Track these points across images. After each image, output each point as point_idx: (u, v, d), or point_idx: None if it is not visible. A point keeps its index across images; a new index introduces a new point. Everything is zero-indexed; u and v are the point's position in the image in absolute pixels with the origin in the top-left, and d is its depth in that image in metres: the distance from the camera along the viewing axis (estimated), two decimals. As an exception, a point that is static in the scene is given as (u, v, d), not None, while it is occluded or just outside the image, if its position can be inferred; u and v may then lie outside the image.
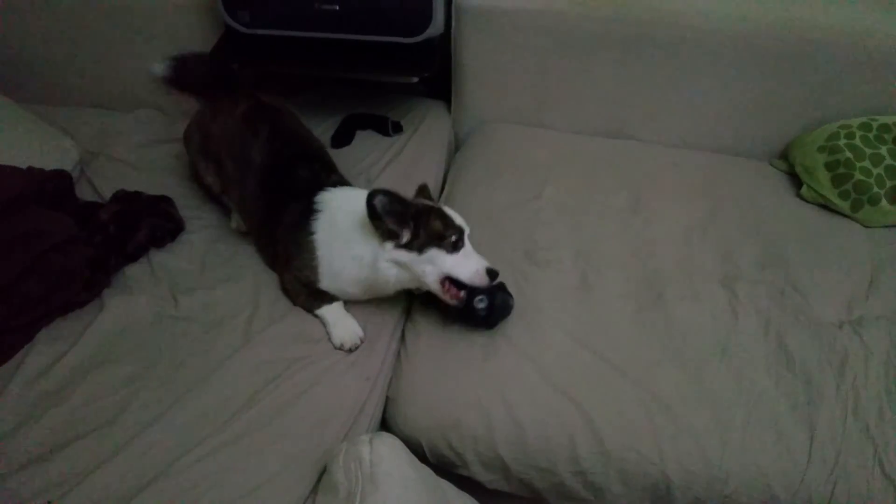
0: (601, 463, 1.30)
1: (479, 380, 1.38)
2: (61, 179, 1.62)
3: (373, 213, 1.31)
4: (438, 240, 1.34)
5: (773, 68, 1.80)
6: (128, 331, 1.42)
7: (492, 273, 1.36)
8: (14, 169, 1.55)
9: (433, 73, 1.76)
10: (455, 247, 1.35)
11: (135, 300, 1.47)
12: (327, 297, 1.48)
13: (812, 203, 1.78)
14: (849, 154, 1.71)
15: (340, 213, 1.44)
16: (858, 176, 1.70)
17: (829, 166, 1.73)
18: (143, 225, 1.55)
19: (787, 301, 1.52)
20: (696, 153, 1.93)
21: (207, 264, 1.59)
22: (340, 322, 1.46)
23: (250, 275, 1.57)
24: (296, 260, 1.47)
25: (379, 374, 1.43)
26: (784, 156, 1.91)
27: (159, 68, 1.81)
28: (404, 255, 1.35)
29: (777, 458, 1.27)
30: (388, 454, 1.03)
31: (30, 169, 1.58)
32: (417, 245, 1.34)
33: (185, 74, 1.81)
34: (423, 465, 1.12)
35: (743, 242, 1.65)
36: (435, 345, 1.46)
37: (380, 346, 1.47)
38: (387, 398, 1.44)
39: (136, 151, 1.87)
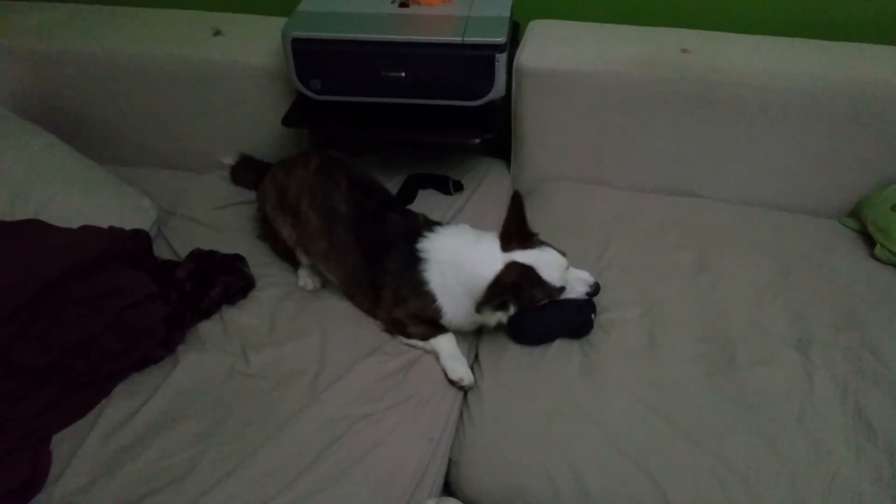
0: (674, 536, 1.25)
1: (545, 444, 1.36)
2: (140, 239, 1.69)
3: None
4: (544, 300, 1.49)
5: (840, 126, 1.78)
6: (200, 387, 1.46)
7: (592, 286, 1.54)
8: (97, 229, 1.62)
9: (495, 135, 1.79)
10: (560, 296, 1.50)
11: (207, 357, 1.51)
12: (441, 328, 1.57)
13: (887, 263, 1.72)
14: (924, 213, 1.67)
15: (448, 266, 1.53)
16: (936, 235, 1.64)
17: (904, 225, 1.69)
18: (217, 282, 1.61)
19: (865, 366, 1.46)
20: (763, 211, 1.90)
21: (276, 321, 1.62)
22: (456, 357, 1.54)
23: (317, 331, 1.59)
24: (412, 300, 1.55)
25: (442, 434, 1.42)
26: (854, 214, 1.87)
27: (229, 159, 2.04)
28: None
29: (860, 536, 1.21)
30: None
31: (111, 229, 1.65)
32: (528, 306, 1.49)
33: (245, 171, 2.01)
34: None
35: (815, 304, 1.60)
36: (498, 405, 1.45)
37: (443, 406, 1.47)
38: (450, 460, 1.43)
39: (210, 211, 1.94)
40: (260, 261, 1.77)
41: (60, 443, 1.36)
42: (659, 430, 1.36)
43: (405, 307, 1.56)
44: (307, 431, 1.38)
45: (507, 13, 1.79)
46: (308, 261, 1.73)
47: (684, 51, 1.84)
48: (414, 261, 1.54)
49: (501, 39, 1.67)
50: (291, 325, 1.62)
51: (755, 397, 1.41)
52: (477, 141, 1.89)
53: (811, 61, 1.79)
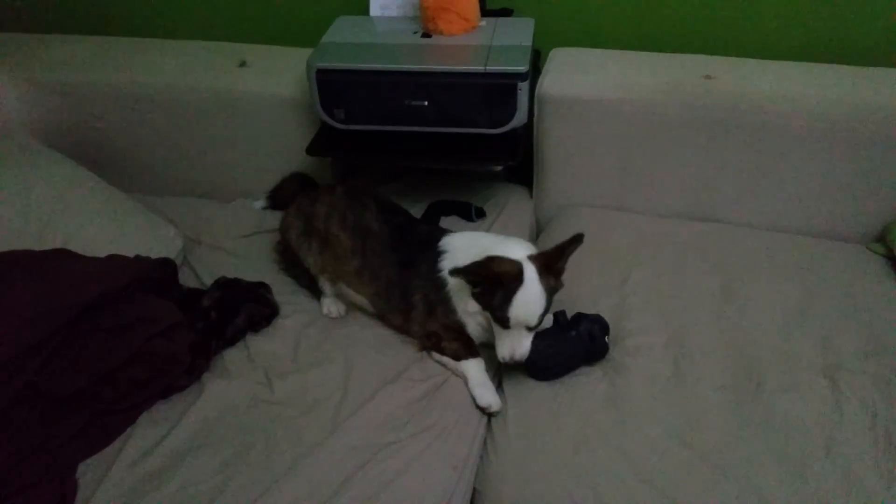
0: (703, 569, 1.23)
1: (570, 474, 1.34)
2: (166, 267, 1.72)
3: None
4: (491, 308, 1.46)
5: (866, 150, 1.77)
6: (225, 415, 1.46)
7: (508, 361, 1.47)
8: (124, 258, 1.65)
9: (518, 162, 1.80)
10: (500, 322, 1.45)
11: (232, 384, 1.52)
12: (473, 350, 1.57)
13: (915, 288, 1.70)
14: (953, 237, 1.64)
15: (462, 253, 1.54)
16: (965, 260, 1.62)
17: (932, 250, 1.67)
18: (241, 310, 1.62)
19: (894, 392, 1.44)
20: (789, 236, 1.88)
21: (300, 348, 1.63)
22: (485, 384, 1.53)
23: (341, 358, 1.60)
24: (438, 305, 1.57)
25: (466, 463, 1.41)
26: (881, 239, 1.84)
27: (260, 204, 2.10)
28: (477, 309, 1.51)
29: (893, 567, 1.18)
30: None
31: (137, 257, 1.68)
32: (483, 300, 1.48)
33: (282, 198, 2.03)
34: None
35: (843, 330, 1.58)
36: (522, 433, 1.44)
37: (467, 433, 1.45)
38: (474, 489, 1.42)
39: (235, 240, 1.96)
40: (284, 288, 1.79)
41: (87, 471, 1.36)
42: (685, 458, 1.34)
43: (435, 316, 1.58)
44: (331, 460, 1.37)
45: (528, 42, 1.81)
46: (332, 289, 1.74)
47: (707, 77, 1.84)
48: (436, 256, 1.58)
49: (524, 68, 1.69)
50: (315, 352, 1.62)
51: (783, 425, 1.38)
52: (499, 168, 1.90)
53: (835, 86, 1.79)
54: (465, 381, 1.54)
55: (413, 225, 1.71)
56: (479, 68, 1.69)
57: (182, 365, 1.49)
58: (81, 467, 1.37)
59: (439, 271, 1.56)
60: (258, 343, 1.63)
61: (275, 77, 2.02)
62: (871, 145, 1.75)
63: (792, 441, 1.36)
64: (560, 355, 1.51)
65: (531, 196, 2.14)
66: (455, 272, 1.44)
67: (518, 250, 1.48)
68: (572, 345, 1.51)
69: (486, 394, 1.50)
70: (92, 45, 2.21)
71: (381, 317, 1.70)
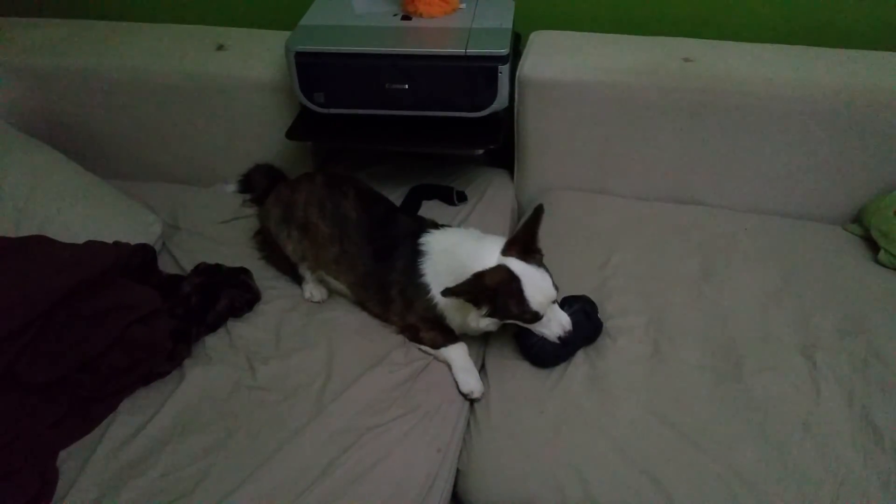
0: (683, 543, 1.25)
1: (553, 453, 1.36)
2: (145, 253, 1.70)
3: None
4: (515, 317, 1.44)
5: (843, 132, 1.78)
6: (207, 401, 1.45)
7: (565, 337, 1.45)
8: (102, 245, 1.62)
9: (498, 145, 1.80)
10: (532, 321, 1.43)
11: (214, 370, 1.51)
12: (452, 336, 1.57)
13: (891, 268, 1.72)
14: (928, 218, 1.67)
15: (443, 256, 1.54)
16: (940, 240, 1.65)
17: (908, 230, 1.69)
18: (223, 296, 1.61)
19: (871, 371, 1.46)
20: (767, 218, 1.90)
21: (282, 334, 1.62)
22: (468, 369, 1.54)
23: (323, 343, 1.59)
24: (417, 301, 1.56)
25: (450, 445, 1.42)
26: (858, 220, 1.87)
27: (231, 188, 2.09)
28: (490, 321, 1.48)
29: (871, 540, 1.21)
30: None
31: (116, 244, 1.65)
32: (499, 316, 1.45)
33: (251, 185, 2.04)
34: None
35: (820, 310, 1.61)
36: (505, 415, 1.45)
37: (450, 416, 1.47)
38: (458, 471, 1.43)
39: (215, 225, 1.95)
40: (266, 274, 1.78)
41: (67, 459, 1.36)
42: (666, 437, 1.36)
43: (413, 309, 1.57)
44: (315, 444, 1.37)
45: (509, 24, 1.80)
46: (313, 276, 1.74)
47: (686, 60, 1.85)
48: (415, 255, 1.56)
49: (504, 51, 1.68)
50: (297, 337, 1.62)
51: (762, 404, 1.41)
52: (480, 152, 1.90)
53: (813, 68, 1.80)
54: (449, 366, 1.55)
55: (392, 215, 1.70)
56: (460, 51, 1.69)
57: (163, 351, 1.48)
58: (62, 455, 1.36)
59: (420, 274, 1.55)
60: (240, 329, 1.62)
61: (253, 60, 1.99)
62: (848, 127, 1.77)
63: (771, 419, 1.38)
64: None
65: (512, 179, 2.14)
66: (448, 293, 1.41)
67: (491, 252, 1.46)
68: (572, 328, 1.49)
69: (469, 379, 1.51)
70: (67, 28, 2.16)
71: (361, 304, 1.70)
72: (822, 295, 1.65)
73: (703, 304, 1.63)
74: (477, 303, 1.43)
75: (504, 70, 1.70)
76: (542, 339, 1.47)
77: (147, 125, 2.11)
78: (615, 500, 1.29)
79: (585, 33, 2.01)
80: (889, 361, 1.48)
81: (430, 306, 1.54)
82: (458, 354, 1.55)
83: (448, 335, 1.58)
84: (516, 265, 1.42)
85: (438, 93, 1.75)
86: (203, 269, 1.69)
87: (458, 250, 1.52)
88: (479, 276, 1.40)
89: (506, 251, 1.46)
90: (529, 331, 1.47)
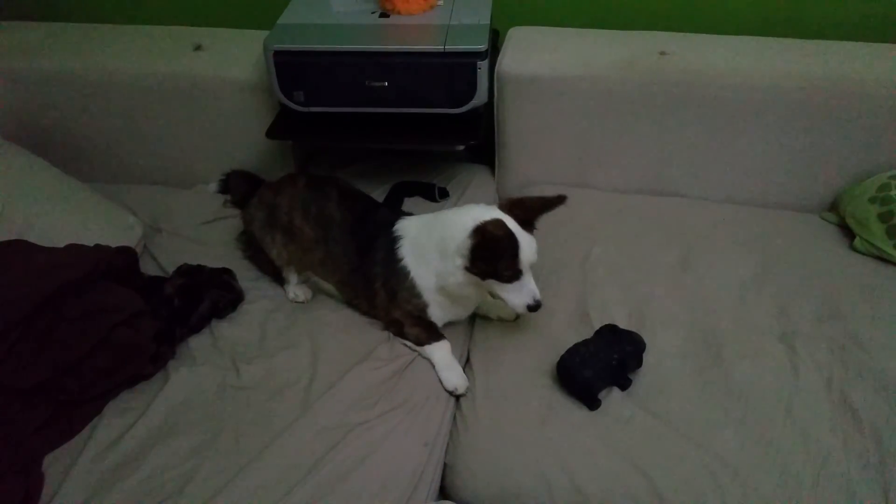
0: (668, 529, 1.27)
1: (538, 444, 1.37)
2: (127, 256, 1.69)
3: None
4: (496, 274, 1.43)
5: (817, 122, 1.81)
6: (192, 401, 1.45)
7: (534, 306, 1.45)
8: (83, 248, 1.62)
9: (479, 141, 1.81)
10: (510, 280, 1.43)
11: (198, 371, 1.51)
12: (436, 334, 1.57)
13: (866, 255, 1.75)
14: (901, 205, 1.70)
15: (420, 235, 1.55)
16: (913, 226, 1.68)
17: (882, 217, 1.72)
18: (206, 297, 1.60)
19: (849, 356, 1.49)
20: (744, 208, 1.93)
21: (267, 333, 1.62)
22: (451, 367, 1.54)
23: (308, 342, 1.60)
24: (400, 291, 1.56)
25: (437, 439, 1.43)
26: (834, 208, 1.90)
27: (213, 187, 2.08)
28: (470, 277, 1.45)
29: (851, 521, 1.23)
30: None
31: (97, 246, 1.64)
32: (479, 272, 1.43)
33: (231, 188, 2.04)
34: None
35: (798, 297, 1.63)
36: (491, 408, 1.46)
37: (436, 410, 1.47)
38: (445, 464, 1.43)
39: (196, 226, 1.94)
40: (248, 274, 1.77)
41: (52, 463, 1.35)
42: (649, 426, 1.38)
43: (397, 301, 1.57)
44: (301, 442, 1.37)
45: (486, 21, 1.81)
46: (298, 278, 1.74)
47: (662, 53, 1.87)
48: (391, 242, 1.57)
49: (482, 47, 1.69)
50: (282, 336, 1.62)
51: (743, 390, 1.43)
52: (461, 148, 1.91)
53: (787, 60, 1.83)
54: (432, 364, 1.56)
55: (372, 210, 1.70)
56: (439, 48, 1.69)
57: (146, 353, 1.48)
58: (47, 459, 1.35)
59: (398, 259, 1.55)
60: (223, 329, 1.62)
61: (231, 60, 1.99)
62: (823, 117, 1.80)
63: (752, 406, 1.40)
64: (596, 377, 1.44)
65: (493, 175, 2.15)
66: (468, 268, 1.42)
67: (479, 209, 1.47)
68: (608, 369, 1.44)
69: (452, 376, 1.52)
70: (44, 31, 2.15)
71: (349, 303, 1.70)
72: (799, 282, 1.67)
73: (684, 294, 1.65)
74: (480, 259, 1.41)
75: (483, 66, 1.71)
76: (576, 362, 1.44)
77: (126, 127, 2.10)
78: (601, 490, 1.30)
79: (562, 29, 2.03)
80: (866, 346, 1.50)
81: (413, 293, 1.54)
82: (441, 353, 1.56)
83: (431, 332, 1.58)
84: (511, 223, 1.43)
85: (418, 89, 1.75)
86: (185, 271, 1.69)
87: (434, 223, 1.53)
88: (482, 229, 1.39)
89: (503, 208, 1.46)
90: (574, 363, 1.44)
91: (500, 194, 2.14)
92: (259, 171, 1.99)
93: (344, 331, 1.64)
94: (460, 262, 1.43)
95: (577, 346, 1.46)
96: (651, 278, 1.70)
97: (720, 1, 2.01)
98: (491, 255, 1.40)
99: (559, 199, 1.48)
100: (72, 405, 1.42)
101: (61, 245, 1.60)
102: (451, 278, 1.47)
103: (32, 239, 1.58)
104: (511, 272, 1.42)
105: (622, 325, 1.55)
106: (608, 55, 1.89)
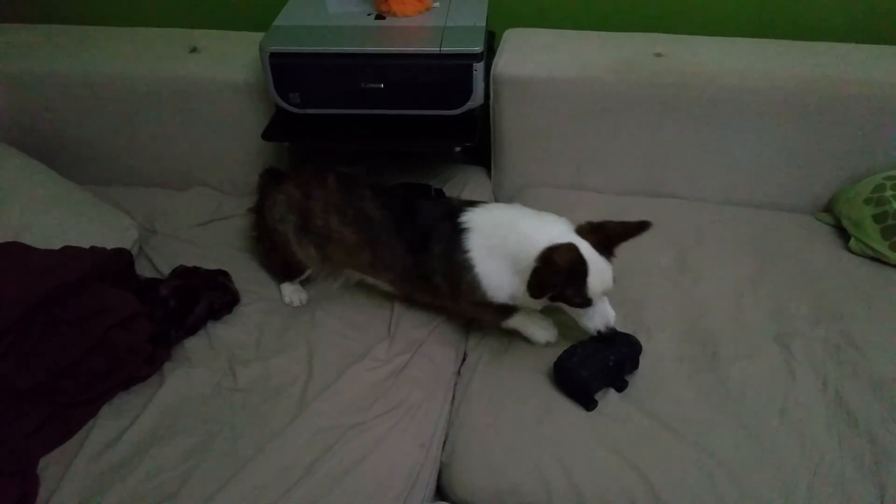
0: (664, 529, 1.27)
1: (535, 443, 1.37)
2: (122, 258, 1.68)
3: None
4: (566, 300, 1.40)
5: (813, 123, 1.82)
6: (188, 404, 1.45)
7: (607, 332, 1.42)
8: (78, 249, 1.61)
9: (475, 143, 1.81)
10: (580, 306, 1.41)
11: (194, 373, 1.51)
12: (509, 309, 1.54)
13: (861, 256, 1.76)
14: (896, 205, 1.71)
15: (494, 233, 1.48)
16: (908, 227, 1.68)
17: (877, 218, 1.72)
18: (201, 298, 1.60)
19: (844, 357, 1.50)
20: (740, 209, 1.94)
21: (262, 335, 1.63)
22: (534, 324, 1.56)
23: (304, 344, 1.60)
24: (462, 283, 1.51)
25: (433, 439, 1.43)
26: (829, 209, 1.91)
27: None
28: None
29: (847, 521, 1.23)
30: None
31: (92, 249, 1.64)
32: (550, 294, 1.39)
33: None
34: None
35: (794, 298, 1.64)
36: (487, 407, 1.46)
37: (433, 411, 1.48)
38: (441, 464, 1.43)
39: (192, 228, 1.94)
40: (244, 275, 1.77)
41: (48, 466, 1.34)
42: (646, 426, 1.38)
43: (461, 292, 1.53)
44: (297, 443, 1.38)
45: (482, 22, 1.81)
46: (336, 276, 1.74)
47: (657, 55, 1.88)
48: (456, 234, 1.50)
49: (478, 48, 1.69)
50: (278, 338, 1.62)
51: (739, 391, 1.43)
52: (457, 149, 1.90)
53: (782, 61, 1.84)
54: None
55: (414, 203, 1.62)
56: (434, 49, 1.69)
57: (142, 355, 1.48)
58: (43, 462, 1.35)
59: (464, 251, 1.48)
60: (219, 331, 1.62)
61: (227, 62, 1.98)
62: (818, 118, 1.80)
63: (747, 406, 1.41)
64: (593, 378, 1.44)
65: (490, 177, 2.16)
66: (532, 293, 1.35)
67: (558, 228, 1.42)
68: (605, 370, 1.44)
69: (539, 333, 1.55)
70: (38, 34, 2.14)
71: (409, 297, 1.69)
72: (795, 283, 1.68)
73: (679, 295, 1.65)
74: (545, 285, 1.36)
75: (479, 68, 1.71)
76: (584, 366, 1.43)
77: (121, 129, 2.09)
78: (598, 488, 1.30)
79: (558, 30, 2.03)
80: (861, 347, 1.51)
81: (476, 285, 1.49)
82: (520, 322, 1.56)
83: (503, 310, 1.54)
84: (586, 249, 1.37)
85: (414, 91, 1.75)
86: (181, 272, 1.68)
87: (511, 228, 1.46)
88: (550, 252, 1.34)
89: (580, 230, 1.42)
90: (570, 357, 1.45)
91: (496, 196, 2.15)
92: (255, 174, 1.98)
93: (340, 332, 1.64)
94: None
95: (573, 347, 1.46)
96: (647, 280, 1.70)
97: (715, 3, 2.02)
98: (555, 282, 1.35)
99: (642, 226, 1.41)
100: (67, 407, 1.41)
101: (57, 247, 1.59)
102: (519, 291, 1.43)
103: (28, 241, 1.58)
104: (580, 300, 1.39)
105: (618, 326, 1.55)
106: (604, 57, 1.89)
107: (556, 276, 1.34)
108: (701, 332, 1.56)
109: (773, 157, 1.89)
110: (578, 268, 1.35)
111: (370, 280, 1.71)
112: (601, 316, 1.42)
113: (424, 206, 1.61)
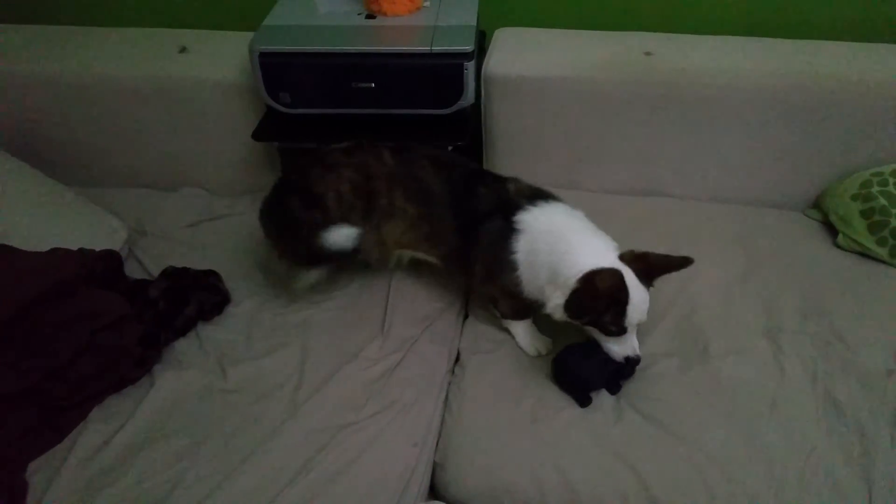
0: (657, 525, 1.27)
1: (529, 442, 1.38)
2: (111, 259, 1.67)
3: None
4: (599, 325, 1.37)
5: (801, 120, 1.82)
6: (179, 405, 1.44)
7: (633, 360, 1.40)
8: (66, 252, 1.60)
9: (466, 142, 1.81)
10: (614, 334, 1.38)
11: (185, 374, 1.50)
12: (525, 314, 1.58)
13: (850, 251, 1.77)
14: (883, 201, 1.72)
15: (541, 241, 1.44)
16: (895, 223, 1.69)
17: (865, 214, 1.74)
18: (191, 300, 1.59)
19: (833, 351, 1.51)
20: (729, 206, 1.94)
21: (253, 335, 1.62)
22: (531, 336, 1.58)
23: (295, 343, 1.59)
24: (501, 276, 1.49)
25: (426, 438, 1.43)
26: (817, 205, 1.92)
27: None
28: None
29: (836, 513, 1.24)
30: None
31: (80, 250, 1.63)
32: (586, 317, 1.37)
33: None
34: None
35: (783, 294, 1.65)
36: (481, 406, 1.46)
37: (426, 410, 1.47)
38: (435, 463, 1.43)
39: (181, 229, 1.93)
40: (234, 275, 1.76)
41: (37, 470, 1.33)
42: (638, 423, 1.39)
43: (496, 282, 1.53)
44: (290, 444, 1.37)
45: (473, 21, 1.81)
46: (388, 259, 1.70)
47: (648, 54, 1.88)
48: (508, 232, 1.47)
49: (469, 48, 1.69)
50: (269, 338, 1.61)
51: (729, 386, 1.44)
52: (449, 149, 1.90)
53: (770, 59, 1.84)
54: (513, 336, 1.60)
55: (472, 185, 1.56)
56: (425, 49, 1.69)
57: (132, 357, 1.47)
58: (32, 466, 1.34)
59: (512, 251, 1.46)
60: (210, 332, 1.61)
61: (217, 62, 1.97)
62: (806, 116, 1.81)
63: (738, 402, 1.41)
64: (592, 377, 1.45)
65: (481, 176, 2.15)
66: (569, 314, 1.33)
67: (605, 250, 1.39)
68: (604, 372, 1.44)
69: (532, 347, 1.57)
70: (24, 34, 2.12)
71: (449, 271, 1.69)
72: (784, 279, 1.69)
73: (670, 293, 1.65)
74: (583, 309, 1.34)
75: (470, 66, 1.71)
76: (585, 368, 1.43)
77: (110, 130, 2.08)
78: (591, 487, 1.30)
79: (548, 30, 2.03)
80: (849, 342, 1.52)
81: (516, 286, 1.47)
82: (521, 328, 1.59)
83: (521, 312, 1.57)
84: (630, 277, 1.34)
85: (405, 90, 1.75)
86: (170, 273, 1.67)
87: (570, 236, 1.42)
88: (591, 277, 1.31)
89: (623, 257, 1.39)
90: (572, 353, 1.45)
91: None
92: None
93: (331, 331, 1.63)
94: (561, 300, 1.34)
95: (575, 344, 1.46)
96: (638, 277, 1.71)
97: (705, 2, 2.03)
98: (596, 306, 1.33)
99: (685, 262, 1.38)
100: (56, 410, 1.40)
101: (44, 249, 1.58)
102: (551, 305, 1.38)
103: (15, 243, 1.56)
104: (616, 328, 1.36)
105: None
106: (594, 56, 1.89)
107: (597, 302, 1.31)
108: (691, 329, 1.57)
109: (762, 154, 1.90)
110: (620, 296, 1.31)
111: (421, 255, 1.67)
112: (630, 345, 1.40)
113: (481, 192, 1.55)
